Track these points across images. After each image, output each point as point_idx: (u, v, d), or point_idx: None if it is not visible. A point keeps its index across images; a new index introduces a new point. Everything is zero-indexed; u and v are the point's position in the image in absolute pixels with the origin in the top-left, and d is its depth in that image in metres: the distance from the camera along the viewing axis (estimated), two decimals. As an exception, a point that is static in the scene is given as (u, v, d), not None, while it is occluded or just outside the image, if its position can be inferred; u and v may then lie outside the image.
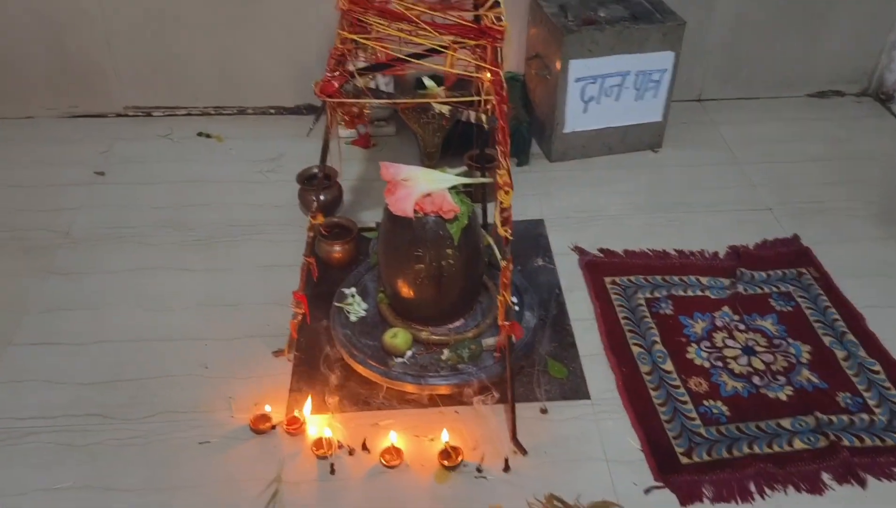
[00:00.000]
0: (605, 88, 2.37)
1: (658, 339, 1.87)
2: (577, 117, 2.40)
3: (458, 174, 1.59)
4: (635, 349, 1.83)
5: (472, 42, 1.28)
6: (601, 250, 2.12)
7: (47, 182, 2.33)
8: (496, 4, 1.25)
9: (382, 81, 2.19)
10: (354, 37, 1.35)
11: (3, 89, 2.57)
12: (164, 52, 2.53)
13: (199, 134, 2.58)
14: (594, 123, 2.43)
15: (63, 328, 1.84)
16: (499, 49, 1.28)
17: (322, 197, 1.92)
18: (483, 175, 1.69)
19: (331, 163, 1.68)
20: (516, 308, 1.77)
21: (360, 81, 1.41)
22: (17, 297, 1.92)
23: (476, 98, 1.33)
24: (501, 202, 1.41)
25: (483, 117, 1.34)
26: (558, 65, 2.29)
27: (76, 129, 2.59)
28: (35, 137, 2.55)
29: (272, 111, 2.71)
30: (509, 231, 1.43)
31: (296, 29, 2.50)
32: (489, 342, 1.68)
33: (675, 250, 2.13)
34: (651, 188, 2.38)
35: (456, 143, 2.04)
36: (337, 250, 2.03)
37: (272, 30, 2.50)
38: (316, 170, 2.06)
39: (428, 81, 1.47)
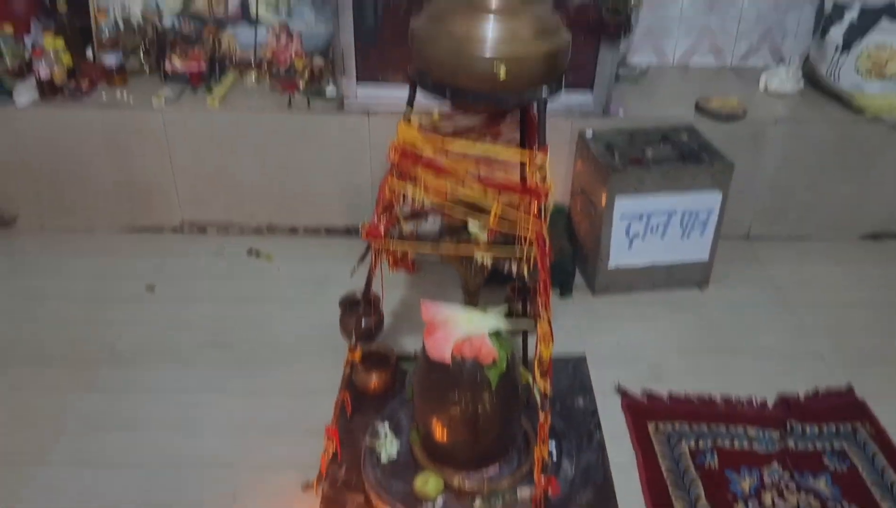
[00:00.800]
0: (651, 226, 2.37)
1: (702, 494, 1.78)
2: (621, 253, 2.40)
3: (499, 314, 1.58)
4: (678, 505, 1.74)
5: (517, 199, 1.30)
6: (644, 392, 2.06)
7: (100, 296, 2.40)
8: (542, 166, 1.27)
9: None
10: (403, 187, 1.38)
11: (70, 203, 2.70)
12: (223, 171, 2.64)
13: (249, 252, 2.65)
14: (639, 259, 2.42)
15: (98, 449, 1.85)
16: (543, 205, 1.29)
17: (363, 325, 1.92)
18: (525, 307, 1.68)
19: (374, 286, 1.69)
20: (554, 459, 1.71)
21: (405, 227, 1.43)
22: (58, 413, 1.95)
23: (519, 252, 1.34)
24: (541, 354, 1.39)
25: (525, 270, 1.34)
26: (603, 201, 2.31)
27: (133, 243, 2.69)
28: (94, 250, 2.65)
29: (323, 231, 2.77)
30: (549, 384, 1.41)
31: (350, 152, 2.59)
32: (524, 494, 1.62)
33: (722, 396, 2.06)
34: (697, 328, 2.33)
35: (500, 276, 2.05)
36: (374, 380, 2.01)
37: (328, 152, 2.59)
38: (359, 296, 2.08)
39: (472, 226, 1.50)
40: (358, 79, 2.51)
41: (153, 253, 2.63)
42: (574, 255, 2.49)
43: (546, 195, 1.27)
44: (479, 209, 1.39)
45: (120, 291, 2.43)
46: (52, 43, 2.53)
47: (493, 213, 1.33)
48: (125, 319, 2.30)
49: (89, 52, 2.78)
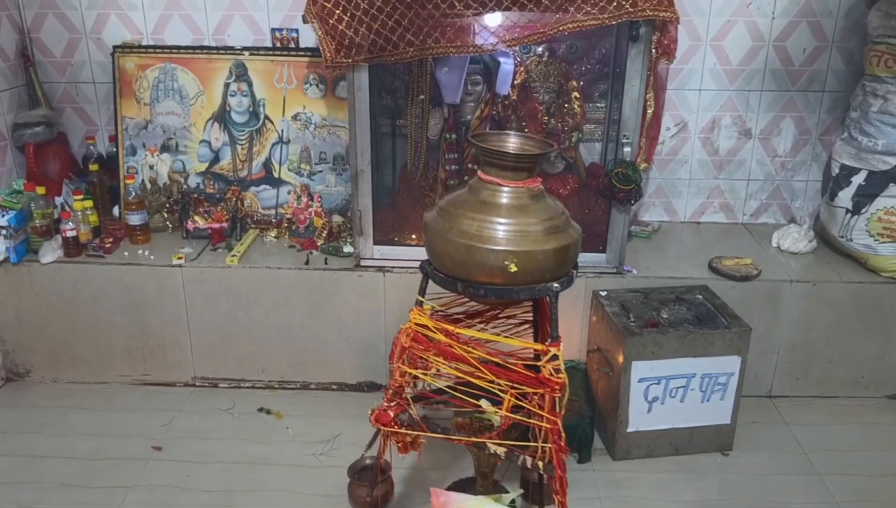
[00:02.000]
0: (670, 390, 2.31)
1: None
2: (640, 417, 2.33)
3: (513, 499, 1.52)
4: None
5: (530, 390, 1.27)
6: (669, 576, 1.94)
7: (105, 455, 2.35)
8: (554, 358, 1.26)
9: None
10: (413, 371, 1.37)
11: (83, 356, 2.70)
12: (238, 326, 2.64)
13: (260, 410, 2.60)
14: (659, 423, 2.35)
15: None
16: (557, 399, 1.26)
17: (372, 494, 1.85)
18: (541, 499, 1.61)
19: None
20: None
21: (415, 412, 1.40)
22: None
23: (533, 445, 1.30)
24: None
25: (540, 465, 1.29)
26: (620, 362, 2.27)
27: (144, 397, 2.67)
28: (104, 405, 2.62)
29: (334, 387, 2.74)
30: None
31: (365, 309, 2.59)
32: None
33: (753, 581, 1.92)
34: (721, 496, 2.22)
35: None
36: (383, 558, 1.91)
37: (343, 309, 2.60)
38: (368, 461, 2.02)
39: (486, 405, 1.46)
40: (375, 239, 2.56)
41: (163, 409, 2.60)
42: (592, 417, 2.42)
43: (561, 388, 1.24)
44: (491, 394, 1.36)
45: (126, 450, 2.38)
46: (81, 204, 2.62)
47: (506, 403, 1.30)
48: (129, 482, 2.24)
49: (116, 210, 2.87)
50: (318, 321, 2.64)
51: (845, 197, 2.63)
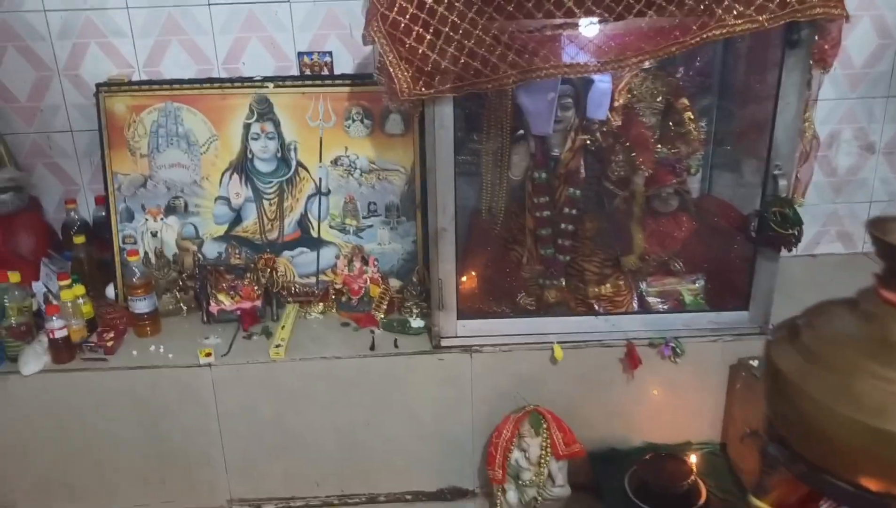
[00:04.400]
0: None
1: None
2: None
3: None
4: None
5: None
6: None
7: None
8: None
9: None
10: None
11: (84, 484, 2.09)
12: (284, 433, 2.07)
13: (322, 540, 2.03)
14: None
15: None
16: None
17: None
18: None
19: None
20: None
21: None
22: None
23: None
24: None
25: None
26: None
27: (169, 536, 2.07)
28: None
29: (408, 497, 2.18)
30: None
31: (447, 399, 2.05)
32: None
33: None
34: None
35: None
36: None
37: (418, 400, 2.06)
38: None
39: None
40: (459, 313, 2.02)
41: (197, 552, 2.00)
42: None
43: None
44: None
45: None
46: (71, 292, 2.01)
47: None
48: None
49: (110, 291, 2.26)
50: (387, 417, 2.08)
51: None
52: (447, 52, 1.70)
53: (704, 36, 1.72)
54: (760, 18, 1.70)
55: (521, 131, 2.06)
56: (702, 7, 1.69)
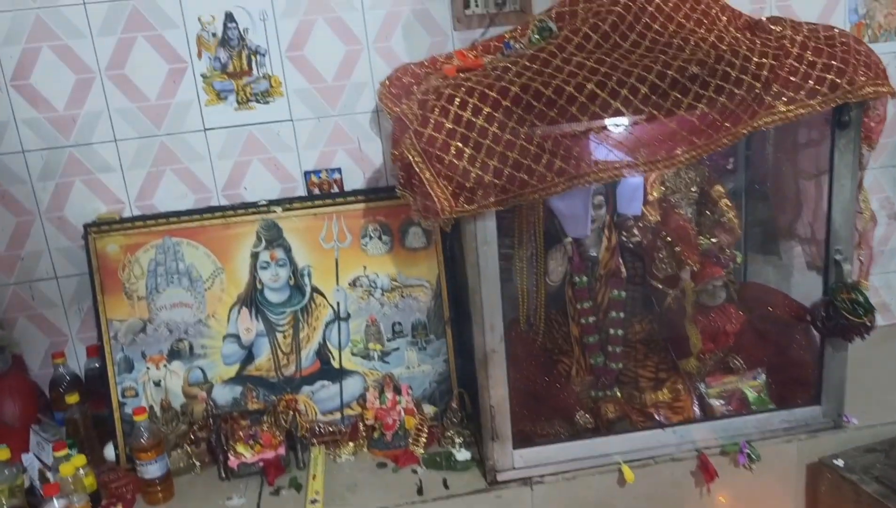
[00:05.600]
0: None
1: None
2: None
3: None
4: None
5: None
6: None
7: None
8: None
9: None
10: None
11: None
12: None
13: None
14: None
15: None
16: None
17: None
18: None
19: None
20: None
21: None
22: None
23: None
24: None
25: None
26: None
27: None
28: None
29: None
30: None
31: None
32: None
33: None
34: None
35: None
36: None
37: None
38: None
39: None
40: (515, 442, 1.82)
41: None
42: None
43: None
44: None
45: None
46: (70, 466, 1.75)
47: None
48: None
49: (109, 451, 2.00)
50: None
51: None
52: (489, 165, 1.56)
53: (755, 125, 1.63)
54: (812, 103, 1.61)
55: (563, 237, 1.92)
56: (752, 96, 1.60)
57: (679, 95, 1.58)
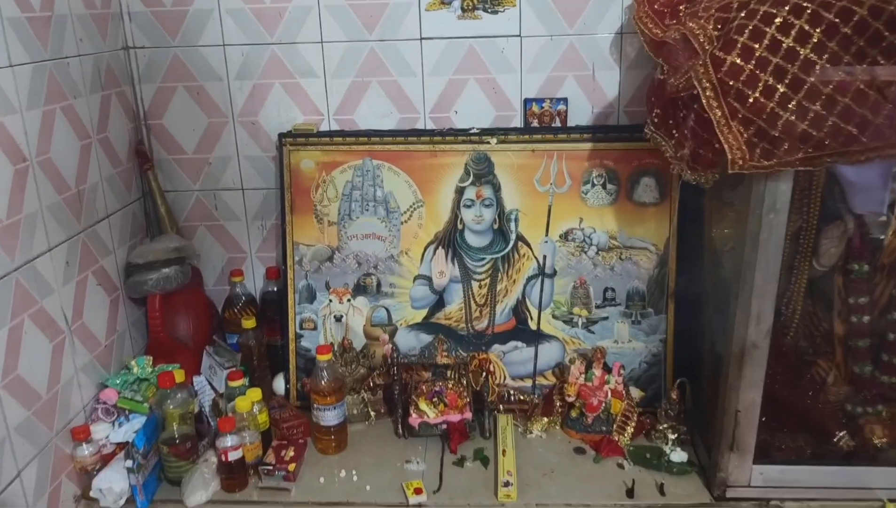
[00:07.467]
0: None
1: None
2: None
3: None
4: None
5: None
6: None
7: None
8: None
9: None
10: None
11: None
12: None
13: None
14: None
15: None
16: None
17: None
18: None
19: None
20: None
21: None
22: None
23: None
24: None
25: None
26: None
27: None
28: None
29: None
30: None
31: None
32: None
33: None
34: None
35: None
36: None
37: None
38: None
39: None
40: (756, 456, 1.49)
41: None
42: None
43: None
44: None
45: None
46: (247, 401, 1.58)
47: None
48: None
49: (279, 384, 1.84)
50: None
51: None
52: (809, 110, 1.19)
53: None
54: None
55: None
56: None
57: None
